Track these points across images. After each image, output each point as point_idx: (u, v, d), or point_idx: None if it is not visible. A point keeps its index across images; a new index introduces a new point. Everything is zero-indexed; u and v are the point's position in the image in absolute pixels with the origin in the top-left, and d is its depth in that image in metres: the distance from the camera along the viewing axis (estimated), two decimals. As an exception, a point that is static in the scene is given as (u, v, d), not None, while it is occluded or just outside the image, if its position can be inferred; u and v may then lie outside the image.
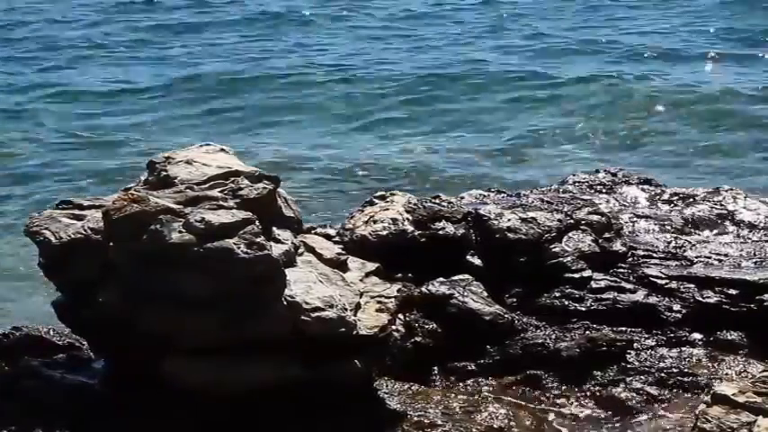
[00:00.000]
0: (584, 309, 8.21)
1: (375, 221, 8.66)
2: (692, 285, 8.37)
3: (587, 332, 8.03)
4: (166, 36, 26.21)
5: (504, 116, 18.55)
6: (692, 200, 9.72)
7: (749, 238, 9.15)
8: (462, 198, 9.44)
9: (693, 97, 18.74)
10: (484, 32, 25.32)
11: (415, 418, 7.19)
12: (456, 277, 8.25)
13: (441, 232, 8.61)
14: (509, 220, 8.63)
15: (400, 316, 7.71)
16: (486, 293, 8.18)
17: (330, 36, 25.67)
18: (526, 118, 18.33)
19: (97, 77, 21.91)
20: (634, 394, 7.57)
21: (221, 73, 21.83)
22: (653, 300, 8.31)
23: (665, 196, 9.87)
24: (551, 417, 7.40)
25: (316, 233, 8.11)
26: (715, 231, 9.28)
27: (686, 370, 7.78)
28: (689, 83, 19.85)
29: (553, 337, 7.99)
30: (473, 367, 7.87)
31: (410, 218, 8.70)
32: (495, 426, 7.21)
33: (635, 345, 7.99)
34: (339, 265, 7.51)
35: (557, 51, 22.97)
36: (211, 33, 26.35)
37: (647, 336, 8.10)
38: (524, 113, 18.64)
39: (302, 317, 6.82)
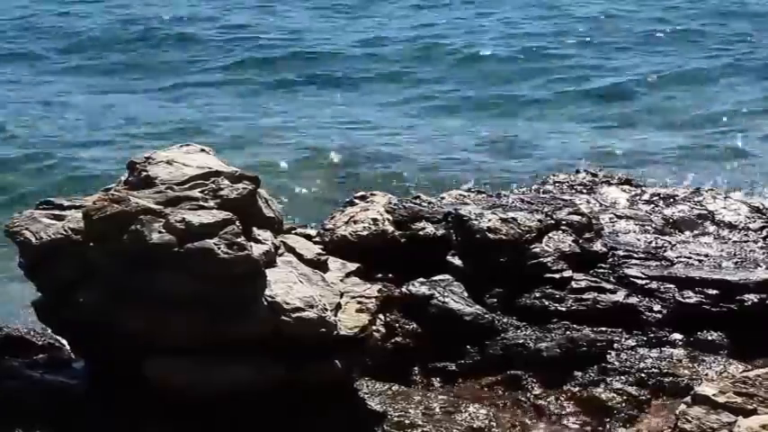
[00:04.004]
0: (564, 309, 8.21)
1: (356, 222, 8.66)
2: (673, 286, 8.39)
3: (568, 332, 8.03)
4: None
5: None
6: (672, 200, 9.75)
7: (729, 239, 9.19)
8: (443, 198, 9.46)
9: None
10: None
11: (396, 419, 7.19)
12: (436, 277, 8.26)
13: (421, 232, 8.62)
14: (489, 220, 8.63)
15: (380, 316, 7.69)
16: (466, 294, 8.19)
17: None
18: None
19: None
20: (614, 395, 7.57)
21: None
22: (633, 300, 8.32)
23: (646, 196, 9.90)
24: (531, 417, 7.41)
25: (296, 233, 8.09)
26: (695, 231, 9.31)
27: (666, 370, 7.79)
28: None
29: (533, 337, 7.99)
30: (453, 367, 7.88)
31: (390, 218, 8.70)
32: (475, 426, 7.21)
33: (615, 345, 8.00)
34: (319, 266, 7.51)
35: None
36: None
37: (627, 336, 8.11)
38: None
39: (282, 317, 6.81)
